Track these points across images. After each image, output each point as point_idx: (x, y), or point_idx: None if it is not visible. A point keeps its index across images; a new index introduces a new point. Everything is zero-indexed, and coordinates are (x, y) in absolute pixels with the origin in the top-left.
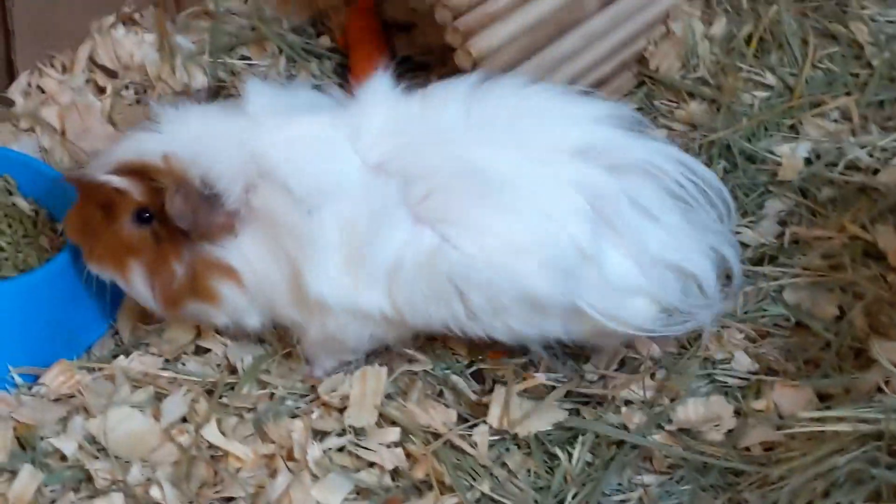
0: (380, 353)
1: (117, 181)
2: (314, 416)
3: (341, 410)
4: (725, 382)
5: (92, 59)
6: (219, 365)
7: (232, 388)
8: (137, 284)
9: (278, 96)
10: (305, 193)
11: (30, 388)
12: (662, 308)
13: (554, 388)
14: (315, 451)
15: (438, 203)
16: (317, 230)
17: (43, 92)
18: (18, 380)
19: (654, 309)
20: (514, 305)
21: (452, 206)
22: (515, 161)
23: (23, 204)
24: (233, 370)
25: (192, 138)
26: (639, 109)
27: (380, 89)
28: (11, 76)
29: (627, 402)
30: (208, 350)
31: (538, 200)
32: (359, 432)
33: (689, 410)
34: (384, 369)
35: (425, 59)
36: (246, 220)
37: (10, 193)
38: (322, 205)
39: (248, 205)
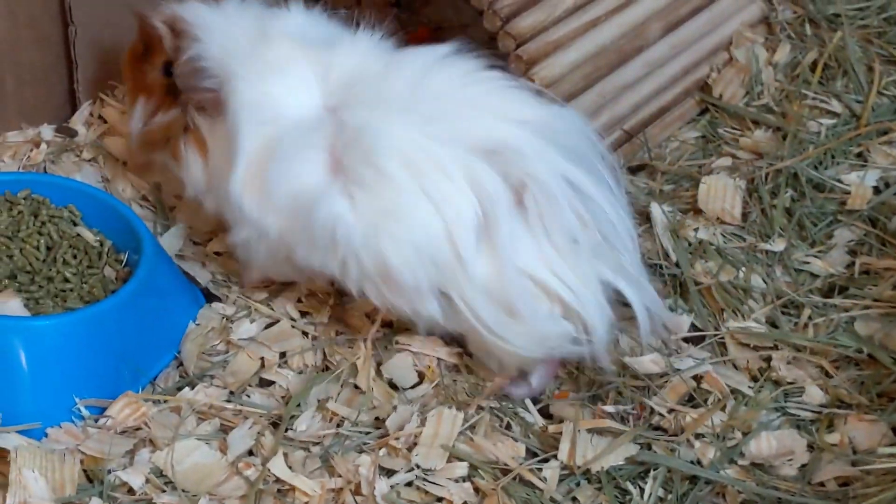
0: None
1: (161, 29)
2: (381, 453)
3: (409, 448)
4: (797, 415)
5: None
6: (283, 397)
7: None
8: (136, 118)
9: (310, 26)
10: (258, 108)
11: (96, 421)
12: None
13: (623, 419)
14: (383, 486)
15: (350, 159)
16: (252, 142)
17: (105, 122)
18: (85, 412)
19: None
20: (376, 274)
21: (360, 166)
22: (431, 145)
23: (87, 234)
24: (297, 403)
25: (216, 21)
26: (702, 137)
27: (363, 40)
28: (74, 107)
29: (699, 436)
30: (272, 382)
31: (434, 190)
32: (426, 467)
33: (762, 444)
34: (461, 415)
35: None
36: (226, 109)
37: (75, 224)
38: (271, 124)
39: (225, 96)
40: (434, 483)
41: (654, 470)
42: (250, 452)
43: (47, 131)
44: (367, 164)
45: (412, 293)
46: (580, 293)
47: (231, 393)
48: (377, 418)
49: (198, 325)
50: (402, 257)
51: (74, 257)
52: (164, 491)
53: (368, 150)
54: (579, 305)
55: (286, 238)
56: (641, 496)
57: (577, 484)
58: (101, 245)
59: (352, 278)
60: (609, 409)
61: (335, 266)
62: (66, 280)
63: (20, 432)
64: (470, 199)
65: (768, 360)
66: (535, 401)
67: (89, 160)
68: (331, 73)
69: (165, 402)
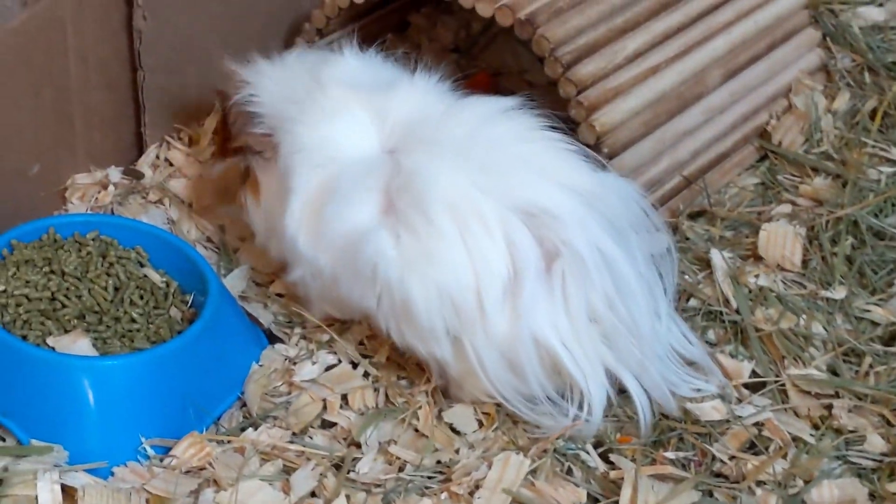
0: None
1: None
2: (443, 497)
3: (471, 493)
4: (859, 464)
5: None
6: (345, 439)
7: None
8: (212, 168)
9: (364, 70)
10: (312, 151)
11: (161, 460)
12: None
13: (684, 465)
14: None
15: (402, 201)
16: (307, 183)
17: (171, 164)
18: (150, 451)
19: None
20: (400, 311)
21: (410, 209)
22: (478, 197)
23: (154, 275)
24: (359, 445)
25: (268, 68)
26: (761, 184)
27: (421, 84)
28: (140, 149)
29: (760, 483)
30: (334, 424)
31: (473, 241)
32: None
33: (824, 492)
34: (527, 461)
35: None
36: (279, 151)
37: (142, 265)
38: (327, 166)
39: (280, 139)
40: None
41: None
42: (313, 494)
43: (115, 173)
44: (417, 210)
45: (427, 333)
46: (586, 370)
47: (294, 434)
48: (439, 462)
49: (261, 366)
50: (425, 297)
51: (141, 298)
52: None
53: (420, 195)
54: (583, 382)
55: (335, 274)
56: None
57: None
58: (168, 286)
59: (383, 313)
60: (670, 455)
61: (373, 301)
62: (133, 320)
63: (87, 471)
64: (504, 255)
65: (829, 407)
66: (596, 445)
67: (155, 202)
68: (388, 116)
69: (229, 442)
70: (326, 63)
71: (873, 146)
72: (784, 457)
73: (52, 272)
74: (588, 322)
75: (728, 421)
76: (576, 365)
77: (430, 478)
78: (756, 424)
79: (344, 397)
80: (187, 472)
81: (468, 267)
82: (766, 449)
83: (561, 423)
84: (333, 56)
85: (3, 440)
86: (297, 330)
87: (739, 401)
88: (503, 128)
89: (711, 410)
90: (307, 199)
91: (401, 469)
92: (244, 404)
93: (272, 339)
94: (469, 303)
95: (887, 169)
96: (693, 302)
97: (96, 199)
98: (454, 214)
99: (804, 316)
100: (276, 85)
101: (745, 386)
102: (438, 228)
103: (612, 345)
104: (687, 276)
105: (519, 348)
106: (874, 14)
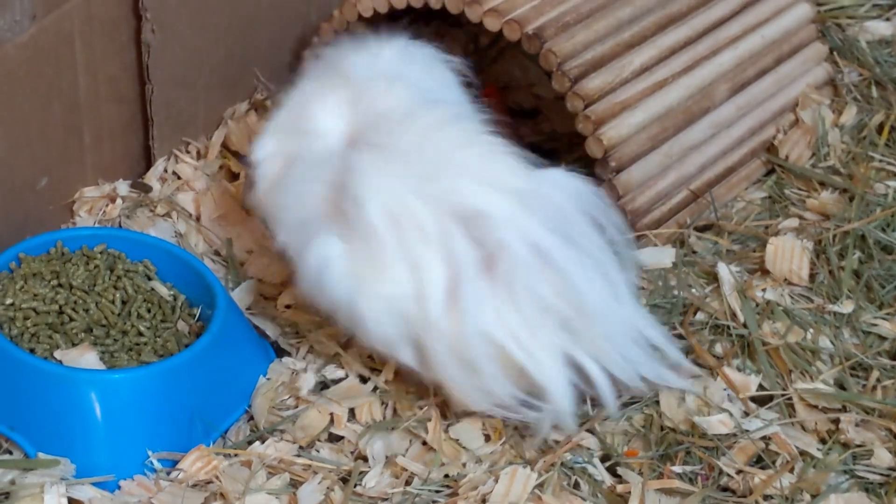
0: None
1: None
2: None
3: None
4: (866, 478)
5: (226, 146)
6: (352, 452)
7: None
8: None
9: (378, 63)
10: (288, 120)
11: (168, 474)
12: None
13: (691, 479)
14: None
15: (345, 203)
16: (273, 149)
17: (179, 178)
18: (157, 465)
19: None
20: (358, 322)
21: (353, 213)
22: (416, 204)
23: (161, 289)
24: (366, 458)
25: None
26: (769, 198)
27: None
28: (149, 163)
29: (767, 497)
30: (341, 438)
31: (411, 249)
32: None
33: None
34: (534, 475)
35: (552, 145)
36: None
37: (150, 279)
38: (295, 143)
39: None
40: None
41: None
42: None
43: (123, 187)
44: (358, 214)
45: (384, 344)
46: (539, 360)
47: (301, 447)
48: (446, 475)
49: (268, 379)
50: (373, 311)
51: (149, 311)
52: None
53: (359, 199)
54: (537, 372)
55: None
56: None
57: None
58: (175, 299)
59: (343, 320)
60: (677, 469)
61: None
62: (141, 334)
63: (94, 484)
64: (442, 260)
65: (837, 422)
66: (603, 458)
67: (163, 215)
68: (358, 112)
69: (236, 455)
70: (356, 51)
71: (880, 160)
72: (791, 471)
73: (60, 285)
74: (537, 313)
75: (735, 435)
76: (528, 355)
77: (437, 492)
78: (763, 438)
79: (351, 411)
80: (194, 485)
81: (408, 275)
82: (774, 463)
83: (544, 417)
84: (375, 50)
85: (10, 453)
86: (305, 343)
87: (746, 414)
88: (446, 134)
89: (718, 424)
90: (271, 171)
91: (408, 483)
92: (251, 417)
93: (279, 352)
94: (414, 311)
95: (894, 183)
96: (700, 315)
97: (104, 212)
98: (392, 222)
99: (811, 330)
100: (328, 59)
101: (753, 400)
102: (378, 237)
103: (568, 331)
104: (694, 290)
105: (470, 348)
106: (881, 28)
